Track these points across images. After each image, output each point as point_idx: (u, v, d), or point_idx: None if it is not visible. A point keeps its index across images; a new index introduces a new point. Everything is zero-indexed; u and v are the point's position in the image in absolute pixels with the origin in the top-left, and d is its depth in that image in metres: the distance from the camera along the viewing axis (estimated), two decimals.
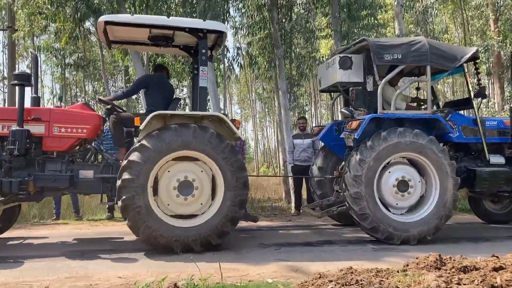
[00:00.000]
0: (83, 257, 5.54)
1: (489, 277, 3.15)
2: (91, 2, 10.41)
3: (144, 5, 12.20)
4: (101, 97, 7.23)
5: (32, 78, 6.54)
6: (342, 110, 7.94)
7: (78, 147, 6.68)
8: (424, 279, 3.26)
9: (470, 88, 7.51)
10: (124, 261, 5.40)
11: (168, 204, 5.89)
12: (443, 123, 6.78)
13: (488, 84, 19.32)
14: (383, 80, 6.66)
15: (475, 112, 7.24)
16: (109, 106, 6.76)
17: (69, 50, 14.88)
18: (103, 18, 6.19)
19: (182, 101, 13.18)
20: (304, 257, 5.53)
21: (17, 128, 5.96)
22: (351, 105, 7.53)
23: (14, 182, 5.87)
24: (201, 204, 5.97)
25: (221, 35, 6.50)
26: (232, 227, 6.01)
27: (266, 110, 33.78)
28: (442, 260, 3.69)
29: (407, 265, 3.79)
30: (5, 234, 7.03)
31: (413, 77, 7.50)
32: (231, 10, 13.41)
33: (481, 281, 3.12)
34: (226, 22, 11.94)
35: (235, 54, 13.13)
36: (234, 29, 14.32)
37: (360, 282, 3.19)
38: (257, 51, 13.54)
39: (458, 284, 3.18)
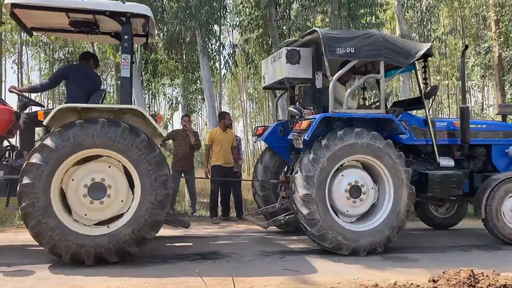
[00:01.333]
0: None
1: None
2: None
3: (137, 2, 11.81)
4: (14, 88, 6.41)
5: None
6: (290, 108, 7.23)
7: None
8: None
9: (422, 87, 7.07)
10: (112, 270, 4.97)
11: (85, 214, 5.24)
12: (397, 123, 6.31)
13: (488, 86, 19.24)
14: (335, 76, 6.14)
15: (426, 112, 6.91)
16: (23, 99, 6.17)
17: (59, 44, 14.37)
18: (8, 0, 5.47)
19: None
20: (311, 268, 5.17)
21: None
22: (298, 103, 7.03)
23: None
24: (122, 201, 5.33)
25: (147, 20, 5.81)
26: (153, 233, 5.35)
27: (257, 109, 33.52)
28: (475, 277, 3.35)
29: (436, 281, 3.43)
30: None
31: (368, 74, 6.98)
32: (228, 7, 12.95)
33: None
34: (223, 19, 11.58)
35: (231, 52, 12.73)
36: (230, 26, 13.96)
37: None
38: (254, 49, 13.21)
39: None
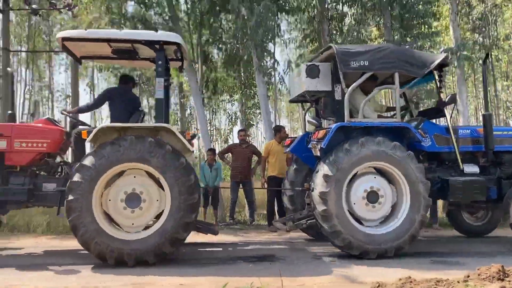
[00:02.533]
0: (148, 266, 5.73)
1: None
2: (148, 22, 10.96)
3: (198, 22, 12.65)
4: (64, 111, 7.24)
5: (10, 95, 6.86)
6: (309, 119, 7.62)
7: (41, 160, 6.69)
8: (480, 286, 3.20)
9: (442, 96, 7.16)
10: (180, 269, 5.56)
11: (132, 224, 5.87)
12: (413, 131, 6.48)
13: None
14: (350, 88, 6.40)
15: (447, 120, 6.95)
16: (72, 120, 6.96)
17: (129, 68, 15.62)
18: (59, 35, 6.33)
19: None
20: (360, 269, 5.49)
21: None
22: (320, 115, 7.36)
23: None
24: (148, 218, 5.96)
25: (178, 47, 6.40)
26: (185, 234, 5.89)
27: None
28: (506, 272, 3.59)
29: (468, 276, 3.70)
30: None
31: (382, 85, 7.20)
32: (282, 25, 13.55)
33: None
34: (277, 36, 12.13)
35: (285, 68, 13.22)
36: (284, 43, 14.48)
37: None
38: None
39: None
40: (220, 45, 13.91)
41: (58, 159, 7.04)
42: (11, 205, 6.53)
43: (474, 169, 6.90)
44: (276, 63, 13.16)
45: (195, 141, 10.90)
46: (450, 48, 11.45)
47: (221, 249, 7.22)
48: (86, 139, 6.11)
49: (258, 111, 16.58)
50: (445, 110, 7.03)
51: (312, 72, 6.68)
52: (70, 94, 20.43)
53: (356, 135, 6.36)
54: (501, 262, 3.98)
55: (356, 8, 12.28)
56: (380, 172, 6.45)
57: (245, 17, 10.76)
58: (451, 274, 4.43)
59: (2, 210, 6.53)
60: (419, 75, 6.65)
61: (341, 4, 12.28)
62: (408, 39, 11.38)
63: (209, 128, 17.83)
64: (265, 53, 11.37)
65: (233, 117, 19.51)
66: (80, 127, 6.90)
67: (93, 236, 5.62)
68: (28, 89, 26.47)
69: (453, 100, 7.02)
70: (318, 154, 6.59)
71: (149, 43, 6.31)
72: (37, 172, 6.63)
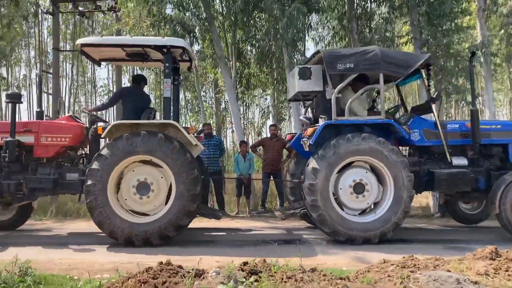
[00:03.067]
0: (181, 245, 6.59)
1: None
2: (186, 24, 11.71)
3: (232, 23, 13.30)
4: (85, 109, 8.01)
5: (38, 94, 7.77)
6: (301, 117, 8.20)
7: (65, 153, 7.49)
8: (475, 265, 3.79)
9: (430, 93, 7.55)
10: (218, 249, 6.35)
11: (125, 199, 6.67)
12: (396, 127, 6.87)
13: None
14: (336, 89, 6.89)
15: (434, 115, 7.30)
16: (92, 117, 7.66)
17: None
18: (78, 41, 7.16)
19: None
20: (378, 252, 5.93)
21: (10, 138, 6.98)
22: (313, 113, 7.82)
23: (12, 184, 6.91)
24: (154, 206, 6.72)
25: (183, 50, 7.11)
26: (187, 220, 6.64)
27: None
28: (498, 253, 4.14)
29: (465, 257, 4.27)
30: None
31: (360, 85, 7.40)
32: (312, 22, 13.96)
33: None
34: (308, 35, 12.65)
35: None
36: (314, 41, 14.96)
37: (417, 266, 3.80)
38: None
39: (506, 271, 3.67)
40: (254, 42, 14.50)
41: (80, 151, 7.92)
42: (39, 193, 7.36)
43: (463, 161, 7.29)
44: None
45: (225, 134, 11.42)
46: (476, 45, 11.70)
47: (253, 232, 8.02)
48: (101, 134, 6.93)
49: (289, 105, 17.14)
50: (433, 106, 7.38)
51: (304, 74, 7.24)
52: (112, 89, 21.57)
53: (346, 132, 6.85)
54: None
55: (384, 6, 12.65)
56: (372, 169, 6.95)
57: (277, 17, 11.34)
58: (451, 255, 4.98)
59: (32, 196, 7.37)
60: (402, 75, 7.13)
61: (369, 2, 12.65)
62: (437, 35, 11.62)
63: (242, 121, 18.56)
64: (296, 51, 11.89)
65: (265, 111, 20.13)
66: (98, 123, 7.67)
67: (107, 218, 6.48)
68: (72, 84, 27.99)
69: (439, 96, 7.50)
70: (308, 149, 7.22)
71: (157, 48, 7.08)
72: (61, 163, 7.50)
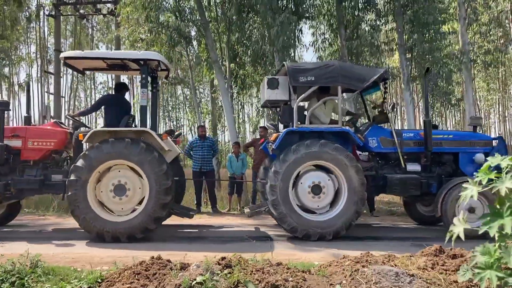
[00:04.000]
0: (174, 241, 7.30)
1: (466, 261, 4.28)
2: (182, 30, 12.34)
3: (226, 29, 13.92)
4: (69, 115, 8.60)
5: (26, 101, 8.51)
6: (267, 124, 8.89)
7: (50, 156, 8.10)
8: (418, 261, 4.47)
9: (386, 105, 8.22)
10: (206, 245, 7.02)
11: (122, 209, 7.26)
12: (352, 135, 7.51)
13: None
14: (298, 99, 7.57)
15: (391, 125, 7.97)
16: (75, 122, 8.30)
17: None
18: (62, 55, 7.81)
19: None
20: (352, 250, 6.34)
21: None
22: (279, 120, 8.47)
23: (0, 185, 7.51)
24: (137, 199, 7.32)
25: (158, 62, 7.77)
26: (163, 212, 7.23)
27: None
28: (442, 250, 4.81)
29: (415, 253, 4.95)
30: None
31: (326, 96, 8.00)
32: (303, 28, 14.63)
33: (458, 265, 4.26)
34: (298, 41, 13.26)
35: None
36: (304, 47, 15.54)
37: (369, 261, 4.48)
38: None
39: (442, 265, 4.35)
40: (248, 45, 15.11)
41: (64, 154, 8.55)
42: (27, 192, 7.98)
43: (416, 167, 7.96)
44: None
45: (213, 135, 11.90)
46: (454, 52, 12.38)
47: (240, 229, 8.75)
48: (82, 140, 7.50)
49: None
50: (389, 116, 8.07)
51: (272, 84, 7.82)
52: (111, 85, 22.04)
53: (309, 138, 7.44)
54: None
55: (371, 13, 13.28)
56: (330, 173, 7.56)
57: (269, 24, 11.96)
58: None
59: (20, 196, 8.02)
60: (359, 88, 7.71)
61: (357, 10, 13.28)
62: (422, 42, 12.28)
63: (238, 120, 19.26)
64: (286, 57, 12.52)
65: (260, 110, 20.73)
66: (81, 129, 8.28)
67: (83, 212, 7.08)
68: (73, 81, 28.65)
69: (393, 108, 8.11)
70: (272, 153, 7.93)
71: (135, 61, 7.73)
72: (47, 165, 8.09)
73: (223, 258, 4.28)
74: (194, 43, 14.82)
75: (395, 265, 4.42)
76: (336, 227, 7.33)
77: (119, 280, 4.27)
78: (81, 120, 8.81)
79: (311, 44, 14.89)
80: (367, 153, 8.41)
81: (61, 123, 8.83)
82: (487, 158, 2.81)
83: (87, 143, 7.66)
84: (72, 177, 7.12)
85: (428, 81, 8.31)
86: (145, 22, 12.91)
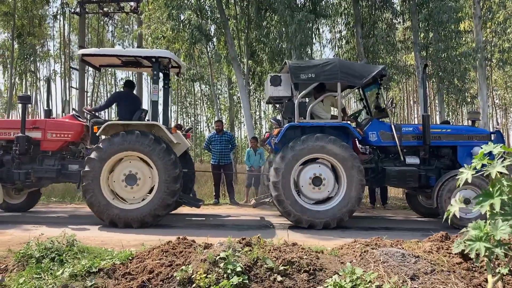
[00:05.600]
0: (194, 227, 7.74)
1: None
2: (203, 28, 12.76)
3: (245, 27, 14.31)
4: (85, 108, 9.08)
5: (47, 96, 9.14)
6: (271, 119, 9.17)
7: (67, 147, 8.63)
8: (424, 245, 4.81)
9: (384, 100, 8.46)
10: (212, 231, 7.44)
11: (115, 185, 7.69)
12: (351, 129, 7.80)
13: None
14: (299, 95, 7.84)
15: (389, 119, 8.22)
16: (92, 116, 8.72)
17: (186, 67, 17.65)
18: (79, 52, 8.28)
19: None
20: (363, 237, 6.90)
21: (20, 134, 8.18)
22: (282, 115, 8.78)
23: (22, 173, 8.16)
24: (147, 188, 7.77)
25: (169, 60, 8.16)
26: (172, 199, 7.63)
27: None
28: (448, 237, 5.14)
29: (423, 240, 5.29)
30: None
31: (328, 93, 8.31)
32: (320, 28, 14.92)
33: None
34: (315, 39, 13.60)
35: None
36: (322, 45, 15.84)
37: (379, 245, 4.83)
38: None
39: (446, 249, 4.68)
40: (266, 42, 15.47)
41: (81, 146, 9.03)
42: (46, 181, 8.54)
43: (415, 160, 8.25)
44: None
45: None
46: (469, 50, 12.55)
47: (257, 218, 9.17)
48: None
49: None
50: (388, 111, 8.33)
51: (275, 81, 8.17)
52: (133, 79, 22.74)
53: (310, 133, 7.73)
54: None
55: (387, 12, 13.52)
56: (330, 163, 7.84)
57: (287, 22, 12.31)
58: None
59: (39, 184, 8.60)
60: (358, 84, 8.06)
61: (373, 9, 13.53)
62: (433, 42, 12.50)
63: (256, 115, 19.64)
64: (303, 55, 12.86)
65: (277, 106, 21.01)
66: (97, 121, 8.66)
67: (96, 200, 7.56)
68: (95, 77, 29.40)
69: (391, 103, 8.39)
70: (274, 147, 8.23)
71: (147, 58, 8.17)
72: (64, 156, 8.65)
73: (243, 238, 4.67)
74: (214, 40, 15.21)
75: (403, 248, 4.77)
76: (340, 215, 7.66)
77: (148, 257, 4.70)
78: (99, 114, 9.33)
79: (328, 42, 15.14)
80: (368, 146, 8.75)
81: (79, 116, 9.37)
82: (482, 146, 3.14)
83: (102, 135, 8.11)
84: (86, 168, 7.60)
85: (426, 77, 8.61)
86: (167, 20, 13.36)
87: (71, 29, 26.84)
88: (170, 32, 13.36)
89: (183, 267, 4.04)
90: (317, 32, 13.79)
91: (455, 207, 3.00)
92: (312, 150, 7.65)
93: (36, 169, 8.27)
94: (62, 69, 27.58)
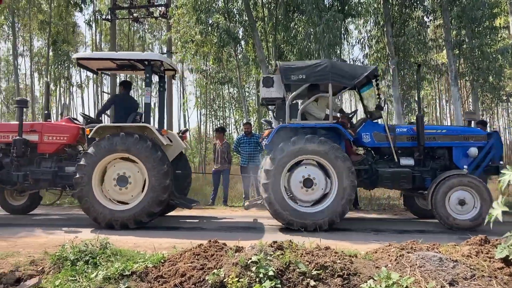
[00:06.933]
0: (226, 230, 7.70)
1: None
2: (231, 31, 12.80)
3: (273, 28, 14.28)
4: (82, 113, 9.12)
5: (45, 100, 9.00)
6: (262, 120, 8.97)
7: (64, 150, 8.71)
8: (462, 249, 4.65)
9: (378, 101, 8.26)
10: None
11: (108, 190, 7.78)
12: (342, 130, 7.60)
13: None
14: (290, 96, 7.71)
15: (384, 120, 8.02)
16: (88, 119, 8.82)
17: (215, 70, 17.81)
18: (74, 56, 8.45)
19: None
20: (397, 240, 6.59)
21: (17, 137, 8.30)
22: (274, 116, 8.61)
23: (20, 175, 8.30)
24: (132, 196, 7.80)
25: (161, 63, 8.19)
26: (158, 208, 7.67)
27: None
28: (487, 240, 4.95)
29: (461, 243, 5.11)
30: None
31: (318, 93, 8.11)
32: (351, 27, 14.78)
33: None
34: (344, 39, 13.44)
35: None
36: (350, 45, 15.71)
37: (414, 248, 4.69)
38: (372, 62, 14.78)
39: (486, 254, 4.50)
40: (294, 44, 15.40)
41: (78, 148, 9.19)
42: (43, 183, 8.60)
43: (410, 162, 8.06)
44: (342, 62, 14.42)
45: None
46: (507, 46, 12.13)
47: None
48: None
49: None
50: (382, 112, 8.18)
51: (267, 82, 8.09)
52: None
53: (300, 134, 7.61)
54: None
55: (418, 10, 13.23)
56: (320, 165, 7.69)
57: (315, 22, 12.21)
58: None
59: (37, 186, 8.66)
60: (349, 85, 7.94)
61: (404, 7, 13.27)
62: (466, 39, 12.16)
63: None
64: (332, 55, 12.73)
65: None
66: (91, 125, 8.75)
67: (91, 205, 7.67)
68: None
69: (385, 103, 8.25)
70: (265, 148, 8.12)
71: (139, 61, 8.25)
72: (61, 158, 8.74)
73: (275, 242, 4.62)
74: (242, 43, 15.24)
75: (439, 252, 4.61)
76: (331, 216, 7.52)
77: (180, 260, 4.70)
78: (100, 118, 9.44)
79: (357, 41, 14.97)
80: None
81: (75, 119, 9.54)
82: None
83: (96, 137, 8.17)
84: (77, 175, 7.73)
85: (421, 76, 8.45)
86: (195, 24, 13.47)
87: (102, 35, 27.51)
88: (199, 36, 13.47)
89: (215, 270, 4.02)
90: (346, 32, 13.58)
91: (497, 210, 2.87)
92: (302, 151, 7.55)
93: (34, 171, 8.43)
94: (94, 75, 28.19)
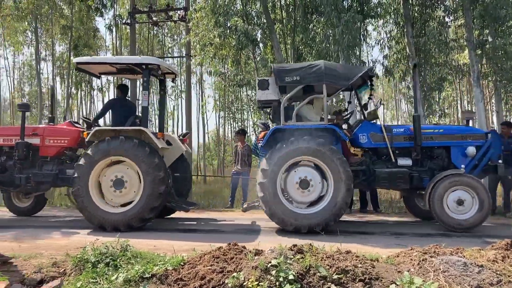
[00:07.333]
0: (245, 233, 7.70)
1: None
2: (249, 33, 12.81)
3: (291, 30, 14.26)
4: (83, 116, 9.19)
5: (50, 104, 8.95)
6: (258, 122, 8.97)
7: (65, 152, 8.80)
8: (487, 254, 4.53)
9: (374, 102, 8.19)
10: (273, 236, 7.38)
11: (105, 192, 7.86)
12: (337, 131, 7.50)
13: None
14: (284, 98, 7.68)
15: (380, 121, 7.79)
16: (88, 122, 8.87)
17: (233, 73, 17.84)
18: (74, 60, 8.47)
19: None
20: (420, 243, 6.50)
21: (19, 140, 8.44)
22: (270, 118, 8.54)
23: (23, 177, 8.40)
24: (134, 191, 7.82)
25: (158, 66, 8.18)
26: (151, 214, 7.69)
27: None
28: None
29: (486, 248, 4.98)
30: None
31: (313, 95, 8.06)
32: (369, 28, 14.64)
33: None
34: (364, 41, 13.32)
35: (374, 67, 14.34)
36: (370, 46, 15.54)
37: (437, 252, 4.59)
38: (392, 63, 14.64)
39: None
40: (313, 45, 15.36)
41: (79, 151, 9.24)
42: (45, 185, 8.75)
43: (407, 162, 7.96)
44: (361, 63, 14.33)
45: None
46: None
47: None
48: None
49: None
50: (377, 112, 8.14)
51: (263, 85, 8.01)
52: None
53: (296, 136, 7.55)
54: None
55: (439, 10, 13.03)
56: (317, 167, 7.61)
57: (334, 23, 12.13)
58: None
59: (39, 188, 8.79)
60: (343, 86, 7.85)
61: (424, 7, 13.09)
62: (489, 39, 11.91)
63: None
64: (351, 56, 12.63)
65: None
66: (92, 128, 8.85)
67: (86, 205, 7.76)
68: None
69: (380, 103, 8.26)
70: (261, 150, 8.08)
71: (136, 65, 8.31)
72: (62, 161, 8.86)
73: (294, 245, 4.58)
74: (260, 45, 15.25)
75: (464, 257, 4.50)
76: (326, 219, 7.43)
77: (200, 263, 4.70)
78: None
79: (376, 42, 14.83)
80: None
81: (76, 122, 9.64)
82: None
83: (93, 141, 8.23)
84: (75, 175, 7.85)
85: (419, 76, 8.37)
86: (214, 27, 13.52)
87: (123, 39, 27.90)
88: (217, 39, 13.52)
89: (235, 274, 4.00)
90: (365, 33, 13.46)
91: None
92: (300, 152, 7.49)
93: (36, 173, 8.56)
94: (115, 79, 28.58)
